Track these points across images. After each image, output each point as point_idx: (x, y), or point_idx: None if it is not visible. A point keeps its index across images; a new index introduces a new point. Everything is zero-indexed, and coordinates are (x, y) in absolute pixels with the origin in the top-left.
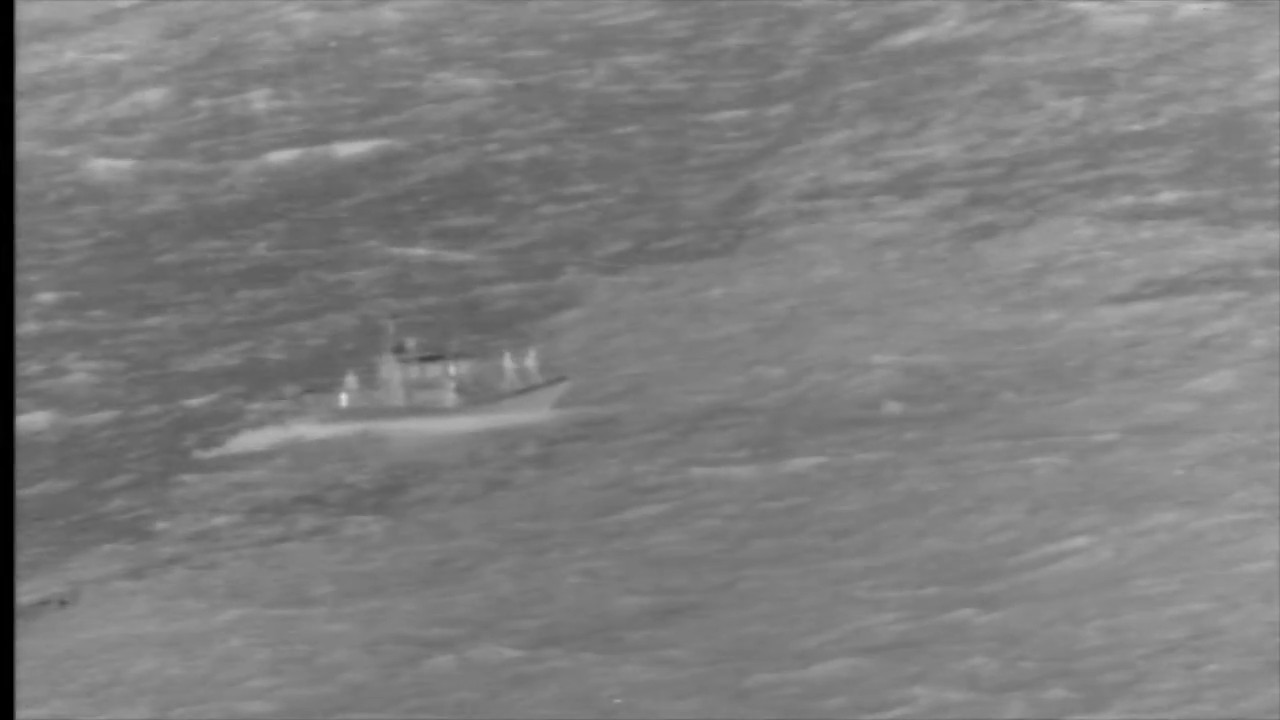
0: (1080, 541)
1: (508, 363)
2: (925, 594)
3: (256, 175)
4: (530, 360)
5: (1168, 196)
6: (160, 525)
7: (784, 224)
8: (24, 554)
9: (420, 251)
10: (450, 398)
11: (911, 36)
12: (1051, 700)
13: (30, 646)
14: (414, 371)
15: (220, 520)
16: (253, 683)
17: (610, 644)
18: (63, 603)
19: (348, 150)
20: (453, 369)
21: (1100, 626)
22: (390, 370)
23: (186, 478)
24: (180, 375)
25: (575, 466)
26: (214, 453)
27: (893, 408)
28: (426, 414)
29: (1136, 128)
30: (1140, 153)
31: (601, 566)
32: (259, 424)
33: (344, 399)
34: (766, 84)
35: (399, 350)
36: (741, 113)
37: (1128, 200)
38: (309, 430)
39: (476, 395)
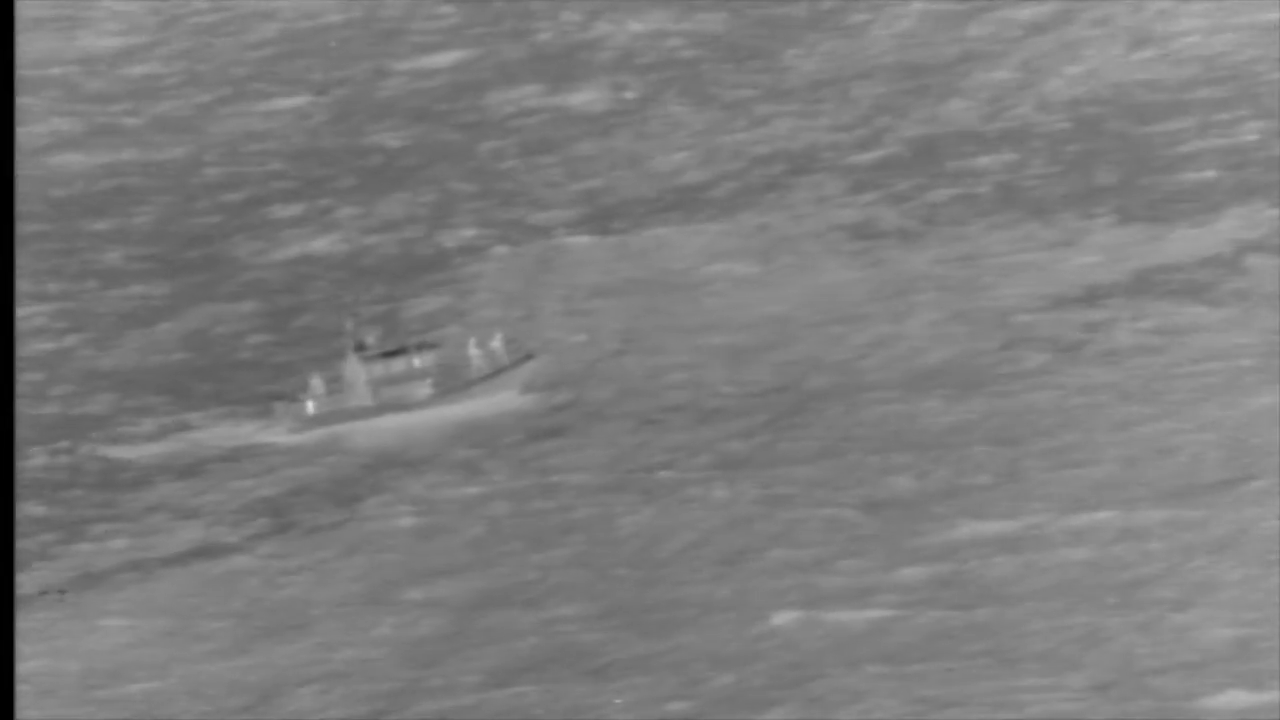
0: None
1: (473, 348)
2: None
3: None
4: (497, 342)
5: (1040, 195)
6: (109, 536)
7: (652, 211)
8: None
9: (288, 243)
10: (426, 390)
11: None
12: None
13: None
14: (378, 368)
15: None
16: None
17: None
18: (61, 592)
19: (161, 156)
20: (417, 361)
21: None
22: (354, 370)
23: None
24: (82, 374)
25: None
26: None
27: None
28: (396, 410)
29: (977, 128)
30: (999, 149)
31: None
32: (205, 427)
33: (310, 406)
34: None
35: (360, 348)
36: (556, 99)
37: (1009, 201)
38: (278, 439)
39: (445, 385)
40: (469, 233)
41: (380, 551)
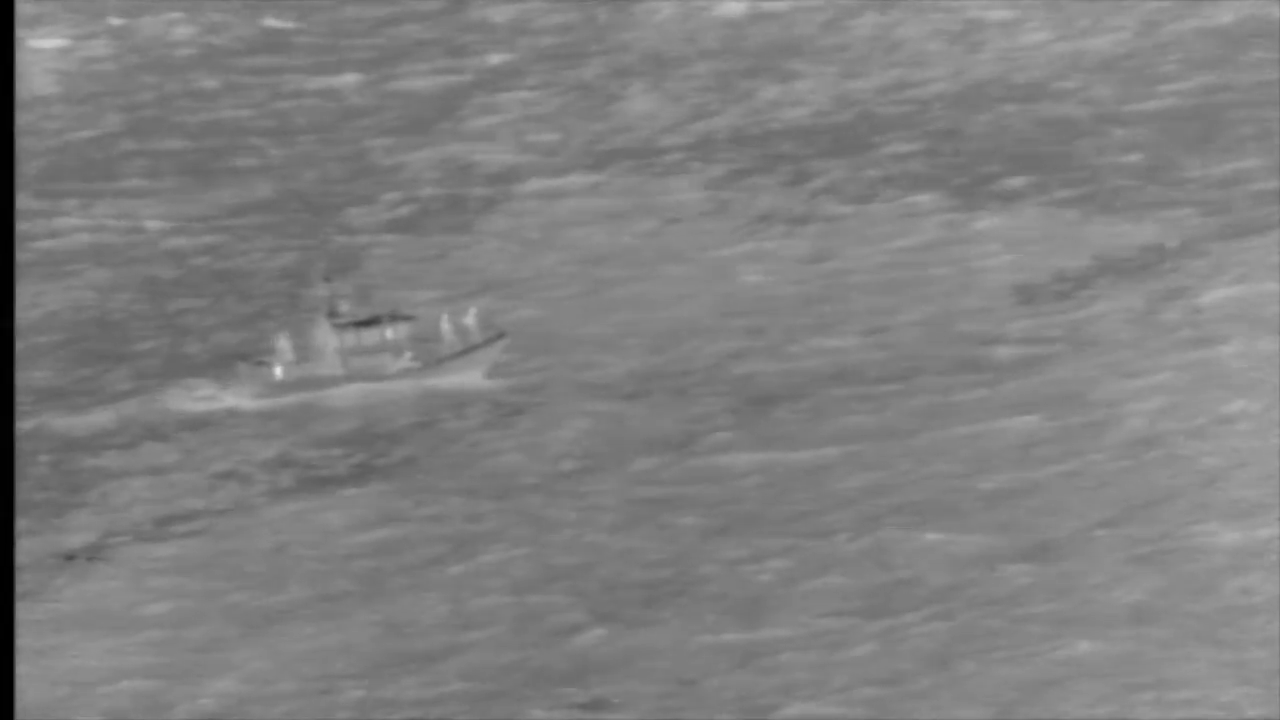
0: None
1: (445, 323)
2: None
3: None
4: (470, 318)
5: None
6: (76, 514)
7: (520, 198)
8: None
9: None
10: (400, 363)
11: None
12: None
13: None
14: (350, 337)
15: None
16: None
17: None
18: (90, 559)
19: None
20: (390, 333)
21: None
22: (325, 337)
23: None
24: None
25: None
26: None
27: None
28: (367, 380)
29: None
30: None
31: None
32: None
33: (279, 371)
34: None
35: (333, 315)
36: (366, 77)
37: (920, 187)
38: (243, 404)
39: (418, 358)
40: (353, 216)
41: (361, 530)
